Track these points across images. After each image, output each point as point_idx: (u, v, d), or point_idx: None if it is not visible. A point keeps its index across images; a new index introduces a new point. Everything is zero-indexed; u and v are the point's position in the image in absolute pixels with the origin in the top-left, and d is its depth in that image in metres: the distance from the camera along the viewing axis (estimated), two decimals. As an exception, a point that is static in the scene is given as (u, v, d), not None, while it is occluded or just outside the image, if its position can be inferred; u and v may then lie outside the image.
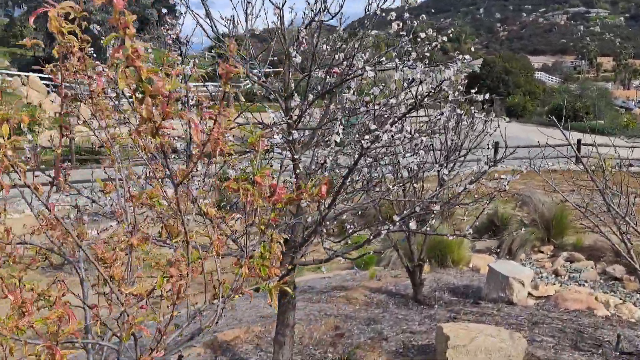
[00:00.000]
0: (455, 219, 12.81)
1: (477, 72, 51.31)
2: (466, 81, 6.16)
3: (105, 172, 2.76)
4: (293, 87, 4.28)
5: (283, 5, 4.15)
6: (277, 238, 2.62)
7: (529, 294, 6.89)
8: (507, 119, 5.52)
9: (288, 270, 4.84)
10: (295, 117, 4.34)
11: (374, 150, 4.24)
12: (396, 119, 3.21)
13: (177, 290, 1.60)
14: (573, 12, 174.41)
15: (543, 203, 10.56)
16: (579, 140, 15.79)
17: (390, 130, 3.07)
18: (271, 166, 3.92)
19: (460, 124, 6.18)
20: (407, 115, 3.28)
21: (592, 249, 9.33)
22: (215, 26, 4.43)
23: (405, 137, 3.28)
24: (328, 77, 4.32)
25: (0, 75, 29.34)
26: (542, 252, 9.73)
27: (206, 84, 4.65)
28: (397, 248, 7.51)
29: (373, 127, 3.25)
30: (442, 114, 3.47)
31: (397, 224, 3.84)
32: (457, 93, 5.32)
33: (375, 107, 3.31)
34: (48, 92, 30.15)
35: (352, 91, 3.67)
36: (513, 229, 10.17)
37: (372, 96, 3.24)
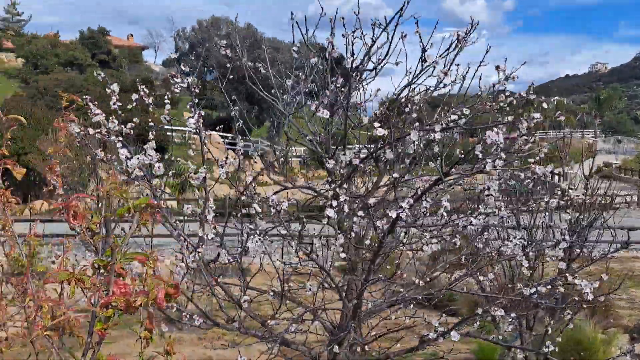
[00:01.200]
0: (614, 312, 10.65)
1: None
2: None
3: None
4: (334, 149, 3.52)
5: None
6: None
7: None
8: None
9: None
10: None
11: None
12: (419, 194, 2.30)
13: None
14: None
15: None
16: None
17: (404, 209, 2.17)
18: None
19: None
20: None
21: None
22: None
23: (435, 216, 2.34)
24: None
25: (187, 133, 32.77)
26: None
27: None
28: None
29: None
30: (489, 188, 2.43)
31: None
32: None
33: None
34: (226, 149, 32.79)
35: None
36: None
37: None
